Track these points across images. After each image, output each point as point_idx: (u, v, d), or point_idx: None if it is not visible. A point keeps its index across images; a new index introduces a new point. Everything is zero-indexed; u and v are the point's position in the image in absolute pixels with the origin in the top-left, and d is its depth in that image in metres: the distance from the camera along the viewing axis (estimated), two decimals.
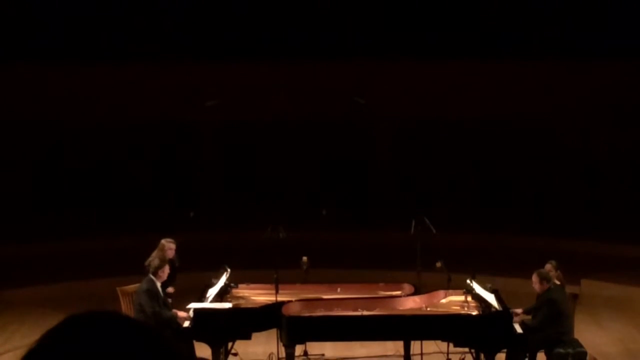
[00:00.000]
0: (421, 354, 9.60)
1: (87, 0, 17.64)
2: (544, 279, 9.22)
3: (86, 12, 17.55)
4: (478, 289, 9.46)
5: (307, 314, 9.14)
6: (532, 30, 17.49)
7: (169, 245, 10.10)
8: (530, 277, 9.33)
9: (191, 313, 9.22)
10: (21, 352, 1.36)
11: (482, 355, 9.00)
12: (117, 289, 9.90)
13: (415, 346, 9.66)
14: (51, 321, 1.43)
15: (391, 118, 17.71)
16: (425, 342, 9.56)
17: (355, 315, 9.14)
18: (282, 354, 9.29)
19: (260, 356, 10.04)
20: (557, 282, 9.44)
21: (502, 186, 17.56)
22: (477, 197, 17.44)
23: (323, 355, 10.15)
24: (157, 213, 16.85)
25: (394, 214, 15.17)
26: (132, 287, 9.81)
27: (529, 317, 9.39)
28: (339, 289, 10.00)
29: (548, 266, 9.50)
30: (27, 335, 10.90)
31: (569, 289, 10.19)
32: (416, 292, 9.68)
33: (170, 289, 9.94)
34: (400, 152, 17.94)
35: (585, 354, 9.15)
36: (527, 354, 9.17)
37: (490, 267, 13.00)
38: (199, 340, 9.08)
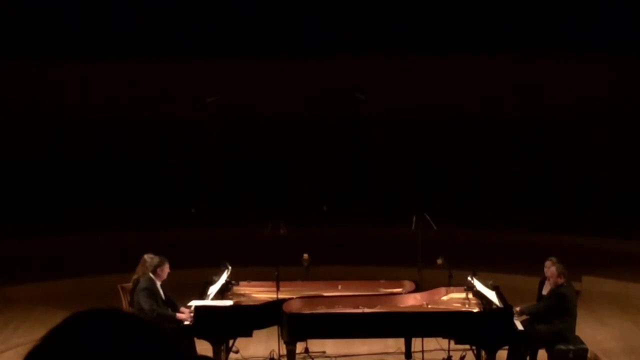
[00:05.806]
0: (422, 351, 9.60)
1: None
2: (561, 273, 9.23)
3: (86, 7, 17.57)
4: (479, 285, 9.45)
5: (308, 311, 9.14)
6: (533, 25, 17.47)
7: (152, 262, 9.40)
8: (531, 274, 9.35)
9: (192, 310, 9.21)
10: (23, 349, 1.37)
11: (483, 353, 9.02)
12: (119, 285, 9.89)
13: (416, 343, 9.66)
14: (53, 318, 1.44)
15: (391, 114, 17.69)
16: (426, 339, 9.56)
17: (356, 312, 9.15)
18: (283, 351, 9.29)
19: (261, 353, 10.05)
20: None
21: (502, 183, 17.54)
22: (478, 194, 17.42)
23: (324, 352, 10.14)
24: (158, 210, 16.86)
25: (395, 211, 15.16)
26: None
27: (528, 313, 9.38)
28: (339, 286, 10.01)
29: (548, 263, 9.50)
30: (29, 333, 10.89)
31: None
32: (417, 289, 9.69)
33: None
34: (400, 149, 17.91)
35: (586, 350, 9.15)
36: (529, 351, 9.18)
37: (492, 264, 12.98)
38: (200, 337, 9.07)
